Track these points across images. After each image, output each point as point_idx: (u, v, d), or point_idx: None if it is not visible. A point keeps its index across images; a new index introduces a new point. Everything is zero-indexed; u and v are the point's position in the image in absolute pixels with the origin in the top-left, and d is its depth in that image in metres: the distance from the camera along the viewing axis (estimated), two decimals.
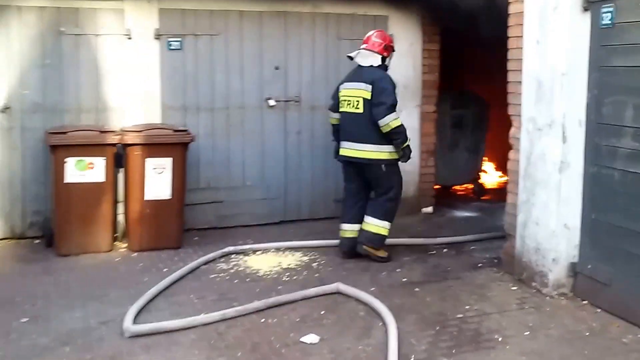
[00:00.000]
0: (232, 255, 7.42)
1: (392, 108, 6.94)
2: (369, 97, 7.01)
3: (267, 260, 7.31)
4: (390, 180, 7.23)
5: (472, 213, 9.92)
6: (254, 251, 7.60)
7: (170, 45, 8.22)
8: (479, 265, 7.17)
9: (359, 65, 7.31)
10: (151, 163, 7.40)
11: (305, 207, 9.09)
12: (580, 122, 5.99)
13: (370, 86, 7.02)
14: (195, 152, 8.04)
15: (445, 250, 7.81)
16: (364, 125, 7.03)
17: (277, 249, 7.68)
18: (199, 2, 8.31)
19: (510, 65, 6.82)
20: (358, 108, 7.09)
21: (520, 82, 6.61)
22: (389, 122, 6.90)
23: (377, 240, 7.22)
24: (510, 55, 6.79)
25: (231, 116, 8.61)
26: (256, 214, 8.81)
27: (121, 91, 8.09)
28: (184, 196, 7.72)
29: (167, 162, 7.45)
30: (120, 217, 7.89)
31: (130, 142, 7.33)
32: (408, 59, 9.39)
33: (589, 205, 5.98)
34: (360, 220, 7.28)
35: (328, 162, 8.80)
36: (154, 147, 7.37)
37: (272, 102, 8.70)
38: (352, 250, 7.30)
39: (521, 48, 6.54)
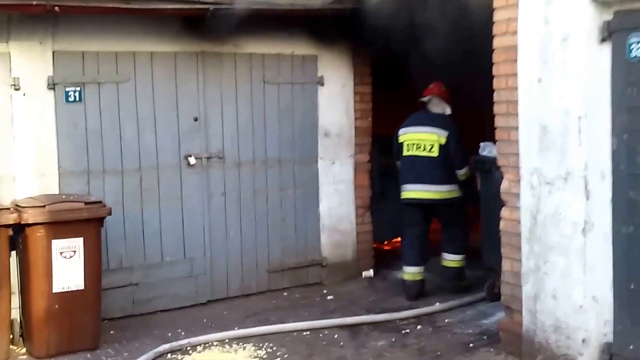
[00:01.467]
0: (168, 355, 5.91)
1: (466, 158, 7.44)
2: (444, 143, 7.37)
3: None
4: (461, 215, 7.75)
5: None
6: (194, 346, 6.12)
7: (67, 96, 6.69)
8: (470, 345, 6.07)
9: (425, 111, 7.71)
10: (58, 245, 5.84)
11: (235, 282, 7.70)
12: (604, 173, 5.00)
13: (447, 132, 7.38)
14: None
15: (419, 327, 6.63)
16: (438, 168, 7.40)
17: (222, 341, 6.22)
18: (101, 42, 6.84)
19: (498, 109, 5.79)
20: (432, 152, 7.43)
21: (514, 127, 5.59)
22: (466, 171, 7.52)
23: (461, 273, 7.76)
24: (499, 96, 5.77)
25: (144, 179, 7.13)
26: (179, 295, 7.33)
27: (8, 154, 6.41)
28: (100, 284, 6.18)
29: (77, 244, 5.94)
30: (17, 314, 6.19)
31: (31, 220, 5.73)
32: (340, 104, 8.29)
33: (625, 273, 4.97)
34: (425, 262, 7.67)
35: (259, 227, 7.71)
36: (62, 225, 5.83)
37: (192, 160, 7.30)
38: (419, 293, 7.57)
39: (515, 88, 5.52)
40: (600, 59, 4.95)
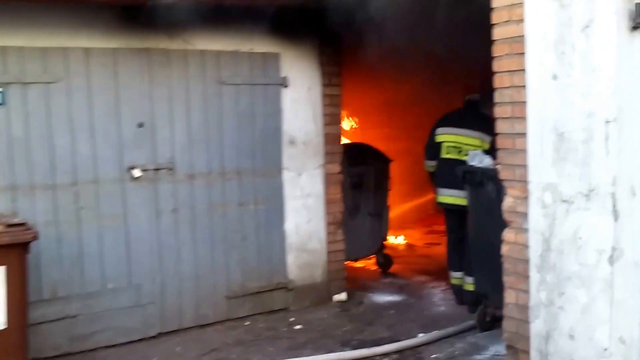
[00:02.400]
0: None
1: None
2: (487, 149, 6.71)
3: None
4: None
5: (394, 296, 7.92)
6: None
7: None
8: None
9: (470, 110, 7.33)
10: None
11: (189, 311, 6.70)
12: (635, 189, 4.12)
13: (491, 138, 6.23)
14: (34, 248, 5.35)
15: None
16: None
17: None
18: (26, 36, 5.78)
19: (500, 111, 4.90)
20: None
21: (520, 134, 4.69)
22: None
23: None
24: (501, 97, 4.87)
25: (81, 195, 6.10)
26: (125, 327, 6.31)
27: None
28: (26, 321, 5.14)
29: None
30: None
31: None
32: (306, 108, 7.35)
33: None
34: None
35: (216, 248, 6.76)
36: None
37: (136, 173, 6.29)
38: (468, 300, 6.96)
39: (521, 87, 4.62)
40: (632, 50, 4.09)
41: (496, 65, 4.87)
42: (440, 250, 10.12)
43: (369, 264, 9.32)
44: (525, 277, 4.72)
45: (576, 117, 4.26)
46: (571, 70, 4.28)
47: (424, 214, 12.55)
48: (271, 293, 7.16)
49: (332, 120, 7.56)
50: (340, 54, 7.61)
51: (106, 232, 6.24)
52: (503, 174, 4.91)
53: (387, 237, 9.24)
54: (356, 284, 8.20)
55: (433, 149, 7.40)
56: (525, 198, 4.69)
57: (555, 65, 4.37)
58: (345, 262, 8.01)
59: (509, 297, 4.94)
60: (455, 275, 7.33)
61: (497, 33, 4.83)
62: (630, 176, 4.11)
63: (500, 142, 4.92)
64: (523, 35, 4.58)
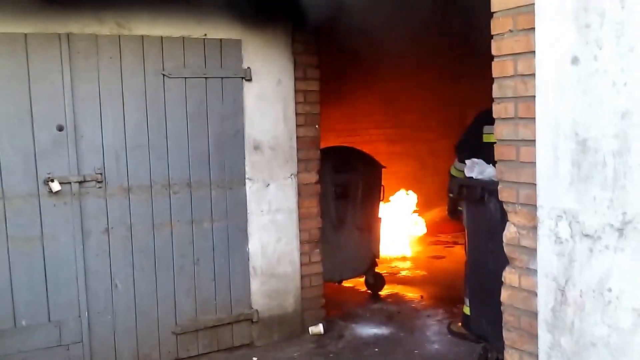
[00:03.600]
0: None
1: None
2: None
3: None
4: None
5: (381, 328, 6.67)
6: None
7: None
8: None
9: None
10: None
11: (126, 352, 5.52)
12: None
13: None
14: None
15: None
16: None
17: None
18: None
19: (499, 110, 3.65)
20: None
21: (527, 140, 3.44)
22: None
23: None
24: (500, 90, 3.62)
25: None
26: None
27: None
28: None
29: None
30: None
31: None
32: (275, 106, 6.11)
33: None
34: None
35: (161, 275, 5.59)
36: None
37: (55, 186, 5.08)
38: None
39: (529, 76, 3.36)
40: None
41: (495, 47, 3.62)
42: (444, 265, 8.95)
43: (359, 283, 8.07)
44: (532, 335, 3.48)
45: (605, 117, 3.00)
46: (599, 50, 3.02)
47: (430, 221, 11.27)
48: (231, 327, 5.96)
49: (307, 121, 6.33)
50: (318, 42, 6.36)
51: (17, 258, 5.06)
52: (503, 195, 3.65)
53: (378, 254, 7.94)
54: (339, 311, 6.97)
55: (476, 149, 5.46)
56: (532, 228, 3.44)
57: (576, 45, 3.11)
58: (331, 284, 6.79)
59: (509, 358, 3.67)
60: None
61: (496, 2, 3.57)
62: None
63: (500, 152, 3.66)
64: (532, 4, 3.32)
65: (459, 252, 8.68)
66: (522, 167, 3.50)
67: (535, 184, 3.38)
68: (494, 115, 3.65)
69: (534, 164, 3.39)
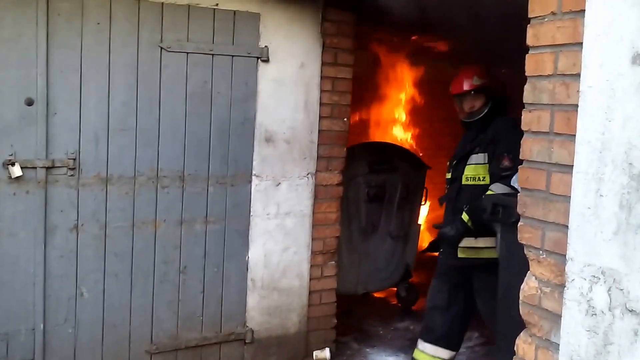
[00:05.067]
0: None
1: None
2: None
3: None
4: None
5: (400, 356, 5.78)
6: None
7: None
8: None
9: None
10: None
11: None
12: None
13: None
14: None
15: None
16: None
17: None
18: None
19: (530, 120, 2.69)
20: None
21: (563, 165, 2.47)
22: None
23: None
24: (534, 93, 2.67)
25: None
26: None
27: None
28: None
29: None
30: None
31: None
32: (295, 93, 5.29)
33: None
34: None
35: (138, 282, 4.79)
36: None
37: (15, 170, 4.33)
38: None
39: (573, 76, 2.40)
40: None
41: (532, 35, 2.67)
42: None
43: (391, 294, 7.19)
44: None
45: None
46: None
47: None
48: (219, 347, 5.15)
49: (333, 113, 5.46)
50: (354, 22, 5.48)
51: None
52: (525, 235, 2.71)
53: (413, 264, 7.03)
54: (352, 330, 6.07)
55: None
56: (559, 286, 2.50)
57: None
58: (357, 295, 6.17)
59: None
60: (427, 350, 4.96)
61: None
62: None
63: (525, 177, 2.71)
64: None
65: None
66: (552, 201, 2.56)
67: (567, 226, 2.43)
68: (523, 127, 2.71)
69: (568, 198, 2.44)
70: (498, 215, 4.20)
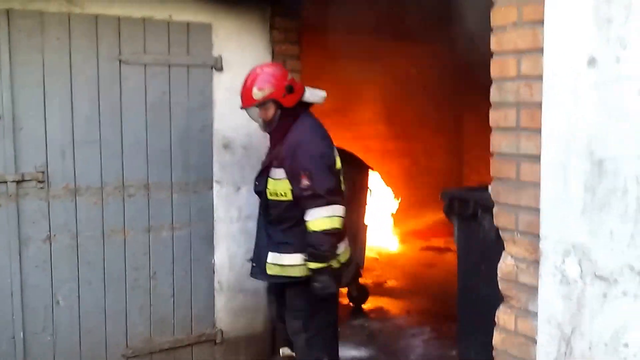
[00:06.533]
0: None
1: None
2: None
3: None
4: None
5: (360, 350, 6.05)
6: None
7: None
8: None
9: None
10: None
11: None
12: None
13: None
14: None
15: None
16: None
17: None
18: None
19: (497, 118, 3.02)
20: None
21: (530, 156, 2.81)
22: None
23: None
24: (500, 94, 3.00)
25: None
26: None
27: None
28: None
29: None
30: None
31: None
32: None
33: None
34: None
35: (111, 290, 4.95)
36: None
37: None
38: None
39: (536, 78, 2.73)
40: None
41: (495, 42, 2.99)
42: (434, 274, 8.35)
43: (340, 295, 7.43)
44: None
45: (629, 134, 2.39)
46: (622, 51, 2.41)
47: (422, 224, 10.72)
48: (191, 349, 5.33)
49: None
50: (300, 29, 5.73)
51: None
52: (500, 220, 3.04)
53: (363, 264, 7.31)
54: None
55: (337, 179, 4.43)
56: (534, 262, 2.83)
57: (595, 43, 2.50)
58: None
59: None
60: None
61: None
62: None
63: (497, 168, 3.04)
64: None
65: (450, 260, 8.06)
66: (523, 188, 2.89)
67: (538, 209, 2.76)
68: (492, 124, 3.03)
69: (537, 184, 2.77)
70: (455, 209, 4.53)
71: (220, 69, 5.28)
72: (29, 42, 4.53)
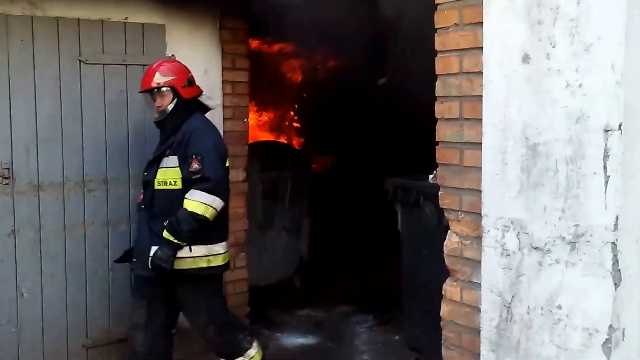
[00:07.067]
0: None
1: None
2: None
3: None
4: None
5: (307, 337, 6.33)
6: None
7: None
8: None
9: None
10: None
11: None
12: None
13: None
14: None
15: None
16: None
17: None
18: None
19: (442, 110, 3.38)
20: None
21: (472, 143, 3.17)
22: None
23: None
24: (444, 89, 3.37)
25: None
26: None
27: None
28: None
29: None
30: None
31: None
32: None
33: None
34: None
35: (72, 282, 5.11)
36: None
37: None
38: None
39: (477, 74, 3.10)
40: None
41: (439, 42, 3.36)
42: (376, 264, 8.62)
43: (285, 287, 7.73)
44: (474, 355, 3.23)
45: (558, 121, 2.76)
46: (552, 48, 2.78)
47: None
48: None
49: (235, 114, 5.95)
50: (248, 30, 6.02)
51: None
52: (445, 201, 3.40)
53: (307, 256, 7.63)
54: (264, 319, 6.59)
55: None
56: (477, 238, 3.19)
57: (528, 42, 2.87)
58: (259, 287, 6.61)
59: None
60: None
61: None
62: None
63: (442, 155, 3.40)
64: None
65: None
66: (466, 172, 3.25)
67: (480, 191, 3.13)
68: (437, 115, 3.39)
69: (479, 169, 3.14)
70: (398, 197, 4.88)
71: None
72: None
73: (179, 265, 4.31)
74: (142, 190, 4.60)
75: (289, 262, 7.46)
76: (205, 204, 4.24)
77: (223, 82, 5.82)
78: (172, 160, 4.38)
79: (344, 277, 7.89)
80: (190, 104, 4.52)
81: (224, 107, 5.84)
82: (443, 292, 3.45)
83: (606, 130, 2.61)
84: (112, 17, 5.19)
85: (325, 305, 7.14)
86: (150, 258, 4.30)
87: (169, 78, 4.46)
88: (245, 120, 6.04)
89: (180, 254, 4.29)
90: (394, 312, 6.48)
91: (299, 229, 7.52)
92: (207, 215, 4.26)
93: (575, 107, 2.71)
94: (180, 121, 4.46)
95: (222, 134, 5.72)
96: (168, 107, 4.48)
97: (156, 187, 4.42)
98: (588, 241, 2.69)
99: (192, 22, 5.61)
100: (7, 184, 4.80)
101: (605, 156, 2.61)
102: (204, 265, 4.39)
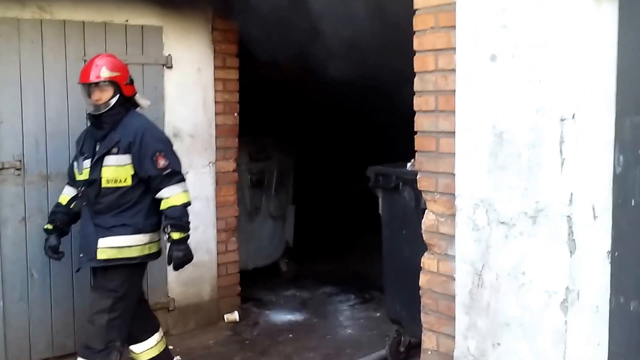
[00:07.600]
0: None
1: None
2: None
3: None
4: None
5: (294, 314, 6.78)
6: None
7: None
8: None
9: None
10: None
11: (42, 342, 5.42)
12: (599, 211, 3.06)
13: None
14: None
15: None
16: None
17: None
18: None
19: (420, 103, 3.83)
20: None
21: (447, 132, 3.66)
22: None
23: None
24: (422, 84, 3.82)
25: None
26: None
27: None
28: None
29: None
30: None
31: None
32: (195, 94, 6.15)
33: None
34: None
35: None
36: None
37: None
38: None
39: (451, 71, 3.56)
40: (598, 19, 3.01)
41: (417, 43, 3.81)
42: (355, 248, 9.08)
43: (272, 270, 8.16)
44: (450, 318, 3.69)
45: (521, 112, 3.23)
46: (515, 49, 3.24)
47: None
48: None
49: (226, 109, 6.38)
50: (237, 30, 6.43)
51: None
52: (423, 184, 3.85)
53: (292, 241, 8.08)
54: (253, 299, 7.04)
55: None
56: (451, 216, 3.65)
57: (495, 43, 3.34)
58: (247, 270, 7.02)
59: (428, 341, 3.90)
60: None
61: (419, 0, 3.75)
62: (594, 194, 3.06)
63: (420, 143, 3.86)
64: (454, 3, 3.52)
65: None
66: (441, 158, 3.69)
67: (454, 174, 3.58)
68: (415, 108, 3.83)
69: (453, 154, 3.58)
70: (379, 183, 5.31)
71: (170, 66, 5.92)
72: (8, 45, 5.09)
73: (126, 253, 4.48)
74: (81, 188, 4.61)
75: (276, 247, 7.86)
76: (185, 191, 4.53)
77: (215, 79, 6.24)
78: (124, 159, 4.43)
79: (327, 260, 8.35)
80: (127, 101, 4.61)
81: (215, 102, 6.26)
82: (422, 265, 3.89)
83: (562, 120, 3.06)
84: (114, 19, 5.58)
85: (310, 286, 7.60)
86: (171, 264, 4.58)
87: (114, 74, 4.50)
88: (235, 115, 6.45)
89: (127, 242, 4.46)
90: (374, 292, 6.98)
91: (284, 216, 7.94)
92: (189, 199, 4.57)
93: (535, 100, 3.16)
94: (118, 117, 4.51)
95: (214, 127, 6.19)
96: (110, 101, 4.48)
97: (104, 185, 4.45)
98: (547, 215, 3.14)
99: (187, 23, 6.02)
100: (19, 174, 5.18)
101: (561, 142, 3.06)
102: (147, 252, 4.59)
